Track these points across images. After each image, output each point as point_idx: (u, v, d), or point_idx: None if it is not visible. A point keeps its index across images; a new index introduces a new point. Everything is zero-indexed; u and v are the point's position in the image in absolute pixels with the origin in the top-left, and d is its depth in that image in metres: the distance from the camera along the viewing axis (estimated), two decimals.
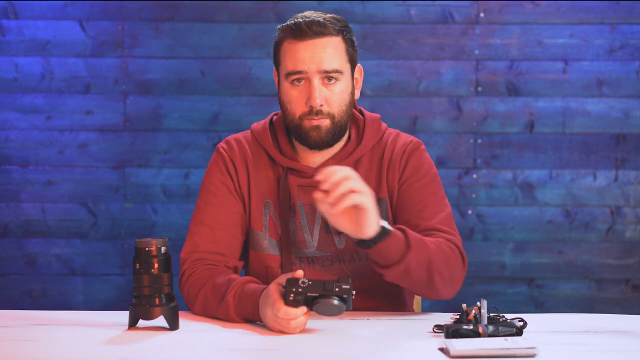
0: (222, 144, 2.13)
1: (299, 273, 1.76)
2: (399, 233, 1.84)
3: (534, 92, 3.46)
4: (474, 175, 3.47)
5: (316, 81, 1.97)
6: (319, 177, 1.73)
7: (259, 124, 2.13)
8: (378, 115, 2.13)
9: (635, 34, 3.44)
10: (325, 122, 1.98)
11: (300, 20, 1.98)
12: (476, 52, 3.45)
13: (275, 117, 2.13)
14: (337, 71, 1.98)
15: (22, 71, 3.45)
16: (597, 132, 3.46)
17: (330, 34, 1.98)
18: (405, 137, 2.11)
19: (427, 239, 1.91)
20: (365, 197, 1.73)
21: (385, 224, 1.80)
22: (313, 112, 1.97)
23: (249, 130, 2.14)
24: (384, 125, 2.12)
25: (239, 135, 2.14)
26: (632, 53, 3.44)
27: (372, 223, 1.77)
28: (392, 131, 2.13)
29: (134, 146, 3.47)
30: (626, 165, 3.45)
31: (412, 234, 1.86)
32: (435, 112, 3.46)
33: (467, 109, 3.46)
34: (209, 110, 3.46)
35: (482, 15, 3.44)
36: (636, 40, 3.44)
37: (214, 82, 3.46)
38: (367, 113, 2.12)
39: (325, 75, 1.97)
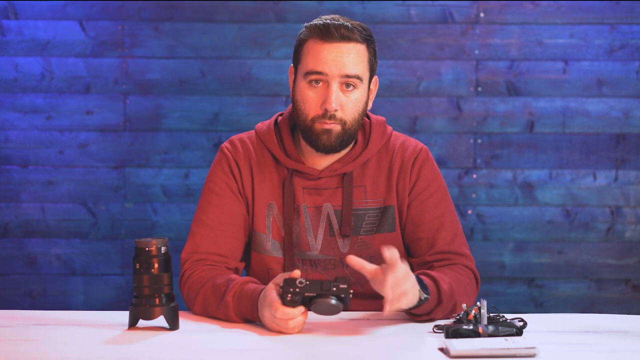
0: (226, 144, 2.12)
1: (297, 273, 1.76)
2: (432, 290, 1.86)
3: (534, 92, 3.46)
4: (474, 175, 3.47)
5: (335, 85, 1.96)
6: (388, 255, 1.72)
7: (264, 125, 2.11)
8: (383, 118, 2.13)
9: (635, 34, 3.44)
10: (337, 128, 1.98)
11: (329, 22, 1.97)
12: (476, 52, 3.45)
13: (280, 118, 2.11)
14: (357, 77, 1.97)
15: (22, 71, 3.45)
16: (597, 132, 3.46)
17: (357, 41, 1.98)
18: (415, 144, 2.11)
19: (452, 277, 1.94)
20: (411, 299, 1.77)
21: (424, 294, 1.81)
22: (327, 115, 1.96)
23: (253, 131, 2.13)
24: (389, 128, 2.12)
25: (243, 135, 2.13)
26: (632, 53, 3.44)
27: (413, 303, 1.80)
28: (398, 135, 2.12)
29: (134, 146, 3.47)
30: (626, 165, 3.45)
31: (443, 287, 1.87)
32: (435, 112, 3.46)
33: (467, 109, 3.46)
34: (209, 110, 3.46)
35: (482, 15, 3.44)
36: (636, 40, 3.44)
37: (214, 82, 3.46)
38: (372, 116, 2.12)
39: (345, 81, 1.96)
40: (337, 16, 2.02)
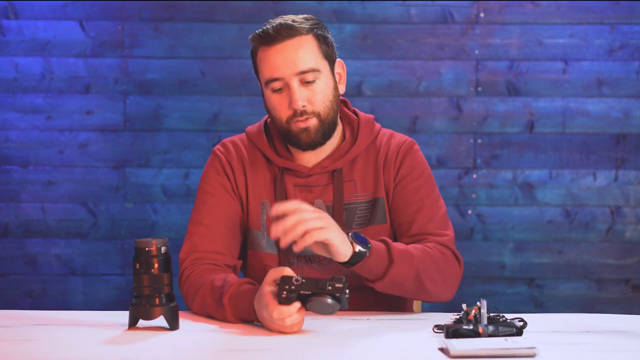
0: (218, 147, 2.15)
1: (288, 270, 1.77)
2: (381, 248, 1.87)
3: (534, 92, 3.46)
4: (474, 175, 3.47)
5: (295, 84, 1.98)
6: (272, 215, 1.75)
7: (254, 127, 2.15)
8: (372, 116, 2.15)
9: (635, 34, 3.44)
10: (313, 122, 2.00)
11: (268, 27, 2.00)
12: (476, 52, 3.45)
13: (269, 120, 2.14)
14: (313, 70, 1.99)
15: (22, 71, 3.45)
16: (597, 132, 3.46)
17: (299, 34, 1.99)
18: (400, 137, 2.13)
19: (414, 247, 1.94)
20: (325, 232, 1.77)
21: (360, 247, 1.82)
22: (297, 114, 1.99)
23: (244, 133, 2.16)
24: (377, 125, 2.14)
25: (235, 137, 2.17)
26: (632, 53, 3.44)
27: (342, 251, 1.80)
28: (386, 131, 2.15)
29: (134, 146, 3.47)
30: (626, 165, 3.45)
31: (395, 247, 1.88)
32: (435, 112, 3.46)
33: (467, 109, 3.46)
34: (209, 110, 3.46)
35: (482, 15, 3.44)
36: (636, 40, 3.44)
37: (214, 82, 3.46)
38: (361, 114, 2.14)
39: (302, 77, 1.98)
40: (282, 17, 2.03)
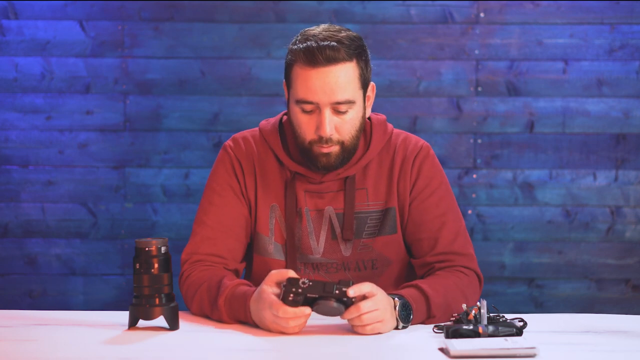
0: (229, 142, 2.09)
1: (291, 272, 1.76)
2: (421, 308, 1.86)
3: (534, 92, 3.46)
4: (474, 175, 3.47)
5: (327, 111, 1.92)
6: (351, 294, 1.74)
7: (269, 124, 2.08)
8: (384, 117, 2.10)
9: (635, 34, 3.44)
10: (335, 149, 1.95)
11: (313, 45, 1.90)
12: (476, 52, 3.45)
13: (285, 118, 2.08)
14: (349, 101, 1.93)
15: (22, 71, 3.45)
16: (597, 132, 3.46)
17: (344, 60, 1.92)
18: (415, 142, 2.08)
19: (447, 286, 1.92)
20: (379, 327, 1.76)
21: (402, 324, 1.82)
22: (323, 140, 1.94)
23: (257, 129, 2.10)
24: (390, 126, 2.09)
25: (247, 133, 2.10)
26: (632, 53, 3.44)
27: (384, 331, 1.80)
28: (400, 133, 2.10)
29: (134, 146, 3.47)
30: (626, 165, 3.45)
31: (437, 301, 1.87)
32: (435, 112, 3.46)
33: (467, 109, 3.46)
34: (209, 110, 3.46)
35: (482, 15, 3.44)
36: (636, 40, 3.44)
37: (214, 82, 3.46)
38: (373, 116, 2.08)
39: (337, 106, 1.92)
40: (324, 29, 1.95)
